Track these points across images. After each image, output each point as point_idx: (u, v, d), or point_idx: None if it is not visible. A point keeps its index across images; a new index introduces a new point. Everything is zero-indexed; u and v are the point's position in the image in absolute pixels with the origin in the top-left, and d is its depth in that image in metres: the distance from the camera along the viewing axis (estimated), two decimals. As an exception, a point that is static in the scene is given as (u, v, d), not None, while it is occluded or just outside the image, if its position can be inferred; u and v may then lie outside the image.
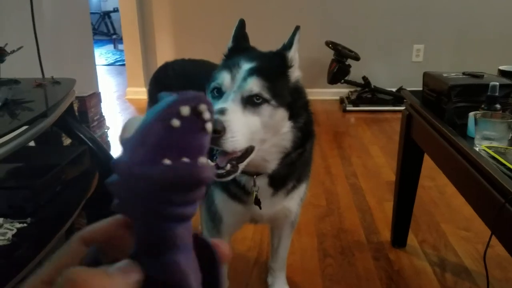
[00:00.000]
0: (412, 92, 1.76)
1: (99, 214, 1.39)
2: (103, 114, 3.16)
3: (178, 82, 1.57)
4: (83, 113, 2.78)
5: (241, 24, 1.18)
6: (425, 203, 2.26)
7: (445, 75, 1.56)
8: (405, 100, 1.80)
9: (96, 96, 3.03)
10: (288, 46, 1.12)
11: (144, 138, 0.30)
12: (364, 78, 4.12)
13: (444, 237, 1.98)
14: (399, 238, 1.90)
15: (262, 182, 1.17)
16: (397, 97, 3.95)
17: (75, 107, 2.62)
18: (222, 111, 0.95)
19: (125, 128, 0.32)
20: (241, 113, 0.99)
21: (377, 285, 1.66)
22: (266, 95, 1.02)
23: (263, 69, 1.05)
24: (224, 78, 1.03)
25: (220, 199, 1.24)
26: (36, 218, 1.44)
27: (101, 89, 3.18)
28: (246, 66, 1.04)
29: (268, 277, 1.60)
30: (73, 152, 1.77)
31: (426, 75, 1.64)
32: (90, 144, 1.85)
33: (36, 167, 1.66)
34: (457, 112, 1.42)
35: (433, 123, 1.46)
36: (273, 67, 1.09)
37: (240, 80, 1.02)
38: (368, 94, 4.07)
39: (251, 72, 1.03)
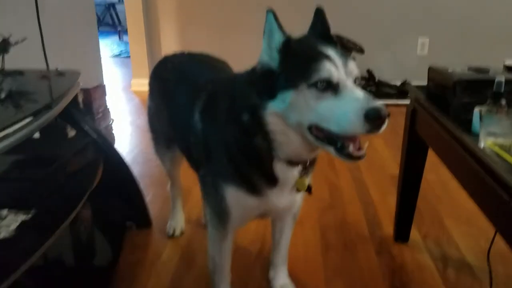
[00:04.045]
0: (417, 86, 1.75)
1: (103, 206, 1.40)
2: (108, 106, 3.16)
3: (176, 77, 1.57)
4: (88, 105, 2.78)
5: (275, 15, 1.09)
6: (429, 197, 2.25)
7: (450, 70, 1.54)
8: (409, 95, 1.79)
9: (101, 88, 3.03)
10: (327, 28, 1.14)
11: None
12: (369, 71, 4.09)
13: (447, 232, 1.97)
14: (401, 233, 1.90)
15: (295, 172, 1.17)
16: (401, 91, 3.93)
17: (80, 99, 2.62)
18: (372, 98, 0.96)
19: None
20: None
21: (380, 279, 1.66)
22: (359, 74, 1.05)
23: (340, 50, 1.05)
24: (330, 69, 0.98)
25: (233, 193, 1.20)
26: (40, 210, 1.44)
27: (106, 80, 3.18)
28: (333, 51, 1.02)
29: (269, 270, 1.60)
30: (77, 144, 1.77)
31: (431, 70, 1.63)
32: (95, 136, 1.85)
33: (40, 159, 1.67)
34: (462, 108, 1.40)
35: (438, 118, 1.46)
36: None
37: (344, 66, 1.01)
38: (372, 87, 4.05)
39: (345, 56, 1.03)
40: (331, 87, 0.99)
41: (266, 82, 1.05)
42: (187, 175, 2.02)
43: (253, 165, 1.14)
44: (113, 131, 3.16)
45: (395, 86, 4.05)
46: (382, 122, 0.93)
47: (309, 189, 1.22)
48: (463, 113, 1.39)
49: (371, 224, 2.03)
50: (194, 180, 1.48)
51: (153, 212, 2.07)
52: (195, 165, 1.43)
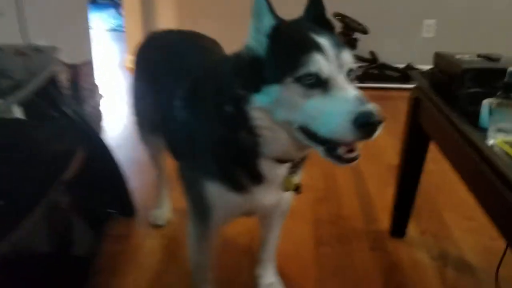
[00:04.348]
0: (422, 73, 1.62)
1: (84, 193, 1.28)
2: (97, 83, 3.03)
3: (160, 57, 1.45)
4: (74, 82, 2.65)
5: None
6: (427, 189, 2.14)
7: (458, 56, 1.42)
8: (412, 81, 1.67)
9: (89, 64, 2.90)
10: (322, 10, 1.01)
11: None
12: (372, 53, 3.94)
13: (446, 228, 1.88)
14: (398, 228, 1.80)
15: (283, 170, 1.07)
16: (405, 74, 3.79)
17: (64, 76, 2.49)
18: (364, 100, 0.84)
19: None
20: None
21: (375, 278, 1.57)
22: (354, 65, 0.92)
23: (335, 37, 0.93)
24: (320, 62, 0.86)
25: (214, 190, 1.09)
26: (9, 197, 1.34)
27: (99, 55, 3.04)
28: (325, 39, 0.89)
29: (256, 267, 1.50)
30: (54, 126, 1.66)
31: (437, 56, 1.50)
32: (75, 118, 1.74)
33: (14, 141, 1.56)
34: (470, 99, 1.28)
35: (443, 109, 1.34)
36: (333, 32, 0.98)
37: (337, 58, 0.88)
38: (375, 70, 3.91)
39: (338, 45, 0.90)
40: (319, 83, 0.86)
41: (251, 72, 0.93)
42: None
43: (237, 161, 1.03)
44: (102, 110, 3.04)
45: (398, 69, 3.91)
46: (374, 129, 0.82)
47: (297, 189, 1.11)
48: (471, 104, 1.27)
49: (367, 217, 1.93)
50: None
51: (139, 200, 1.97)
52: (175, 155, 1.32)
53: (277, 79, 0.88)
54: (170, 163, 1.91)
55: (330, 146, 0.88)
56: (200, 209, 1.17)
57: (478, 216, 1.93)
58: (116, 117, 3.11)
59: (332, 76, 0.86)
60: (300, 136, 0.91)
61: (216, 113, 1.02)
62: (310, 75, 0.85)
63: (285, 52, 0.89)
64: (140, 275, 1.57)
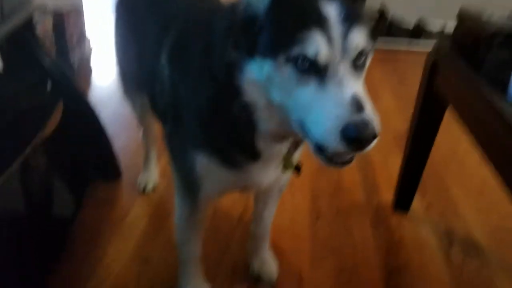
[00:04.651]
0: (441, 34, 1.44)
1: (62, 152, 1.12)
2: (86, 34, 2.82)
3: (145, 2, 1.27)
4: (59, 31, 2.44)
5: None
6: (435, 161, 1.99)
7: (485, 16, 1.24)
8: (423, 37, 1.49)
9: (77, 12, 2.68)
10: None
11: None
12: (380, 10, 3.70)
13: (453, 204, 1.75)
14: (402, 202, 1.67)
15: (282, 147, 0.92)
16: (416, 32, 3.57)
17: (47, 23, 2.29)
18: (361, 105, 0.67)
19: None
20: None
21: (374, 257, 1.45)
22: (368, 46, 0.73)
23: (350, 5, 0.73)
24: (318, 43, 0.68)
25: (204, 164, 0.95)
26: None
27: (90, 2, 2.81)
28: (334, 10, 0.70)
29: (248, 242, 1.38)
30: (29, 79, 1.49)
31: (461, 14, 1.32)
32: (53, 71, 1.56)
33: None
34: (499, 67, 1.13)
35: (466, 76, 1.18)
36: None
37: (343, 38, 0.70)
38: (383, 27, 3.68)
39: (350, 18, 0.70)
40: (316, 69, 0.69)
41: (245, 34, 0.75)
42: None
43: (230, 134, 0.88)
44: (91, 63, 2.85)
45: (407, 30, 3.68)
46: (364, 145, 0.67)
47: (297, 169, 0.96)
48: (499, 72, 1.11)
49: (369, 189, 1.80)
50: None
51: (124, 161, 1.82)
52: (161, 119, 1.17)
53: (271, 53, 0.71)
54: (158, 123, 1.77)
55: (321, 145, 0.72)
56: (187, 182, 1.03)
57: (487, 193, 1.81)
58: (107, 70, 2.91)
59: (331, 64, 0.69)
60: (295, 127, 0.76)
61: (206, 77, 0.86)
62: (305, 58, 0.69)
63: (283, 20, 0.72)
64: (122, 245, 1.45)
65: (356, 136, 0.65)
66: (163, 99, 1.06)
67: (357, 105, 0.66)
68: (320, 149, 0.73)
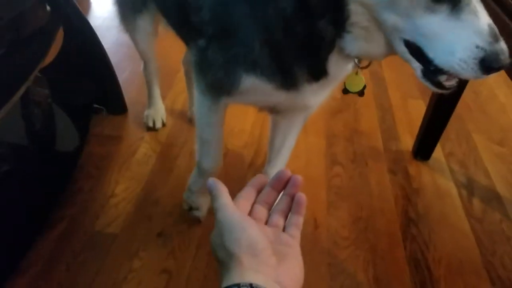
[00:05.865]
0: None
1: (63, 83, 0.99)
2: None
3: None
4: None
5: None
6: (457, 107, 1.91)
7: None
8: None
9: None
10: None
11: None
12: None
13: (474, 151, 1.67)
14: (423, 149, 1.59)
15: (349, 66, 0.86)
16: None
17: None
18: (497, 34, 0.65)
19: None
20: None
21: (391, 205, 1.40)
22: None
23: None
24: None
25: (255, 87, 0.86)
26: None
27: None
28: None
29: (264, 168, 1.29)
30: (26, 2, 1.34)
31: None
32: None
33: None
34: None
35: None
36: None
37: None
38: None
39: None
40: None
41: None
42: (171, 51, 1.63)
43: (302, 53, 0.79)
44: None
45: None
46: (495, 72, 0.66)
47: (362, 91, 0.91)
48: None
49: (387, 134, 1.71)
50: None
51: (129, 94, 1.71)
52: (189, 33, 1.02)
53: None
54: (166, 54, 1.64)
55: (432, 69, 0.68)
56: (216, 90, 0.94)
57: (509, 140, 1.73)
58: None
59: None
60: (401, 48, 0.71)
61: None
62: None
63: None
64: (128, 186, 1.38)
65: (497, 65, 0.64)
66: (199, 11, 0.89)
67: (495, 35, 0.64)
68: (428, 73, 0.70)
